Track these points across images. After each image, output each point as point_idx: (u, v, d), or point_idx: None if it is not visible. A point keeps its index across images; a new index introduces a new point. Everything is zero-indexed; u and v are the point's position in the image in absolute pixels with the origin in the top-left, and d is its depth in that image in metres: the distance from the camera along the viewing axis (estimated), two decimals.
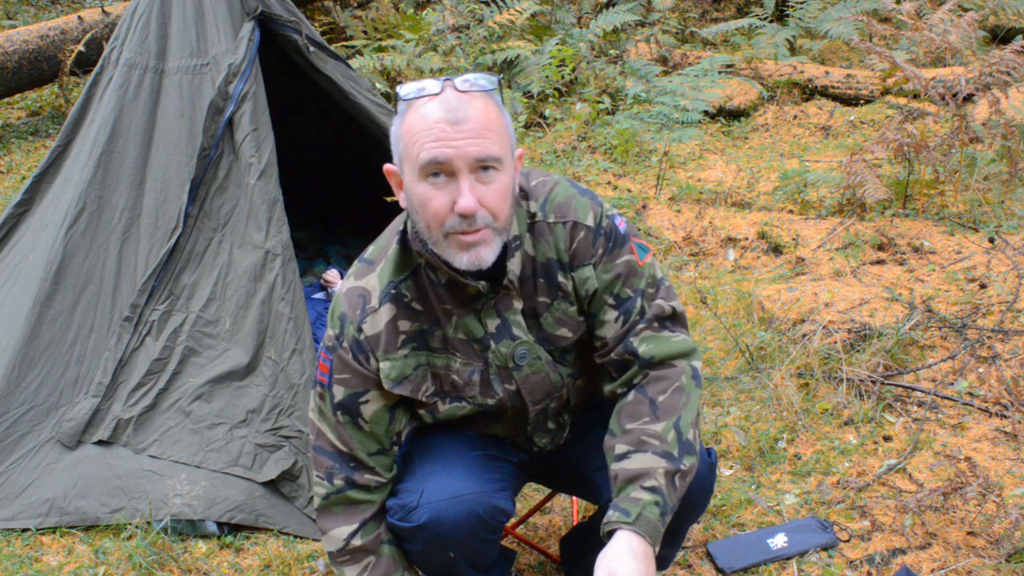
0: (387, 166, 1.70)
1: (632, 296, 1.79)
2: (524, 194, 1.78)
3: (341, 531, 1.84)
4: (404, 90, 1.61)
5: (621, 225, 1.81)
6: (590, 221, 1.77)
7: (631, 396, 1.79)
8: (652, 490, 1.68)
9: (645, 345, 1.79)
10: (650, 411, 1.75)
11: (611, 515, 1.68)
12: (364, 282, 1.78)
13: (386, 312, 1.75)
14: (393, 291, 1.75)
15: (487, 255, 1.63)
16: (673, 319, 1.84)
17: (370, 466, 1.82)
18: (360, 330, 1.75)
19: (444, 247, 1.63)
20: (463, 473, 1.83)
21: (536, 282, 1.78)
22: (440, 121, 1.56)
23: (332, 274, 3.72)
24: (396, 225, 1.80)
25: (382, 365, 1.76)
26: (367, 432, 1.81)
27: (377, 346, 1.75)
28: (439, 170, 1.57)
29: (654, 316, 1.80)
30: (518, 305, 1.78)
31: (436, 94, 1.58)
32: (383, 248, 1.80)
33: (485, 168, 1.58)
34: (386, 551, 1.86)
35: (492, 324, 1.77)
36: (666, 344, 1.80)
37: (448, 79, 1.60)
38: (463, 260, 1.62)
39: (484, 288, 1.72)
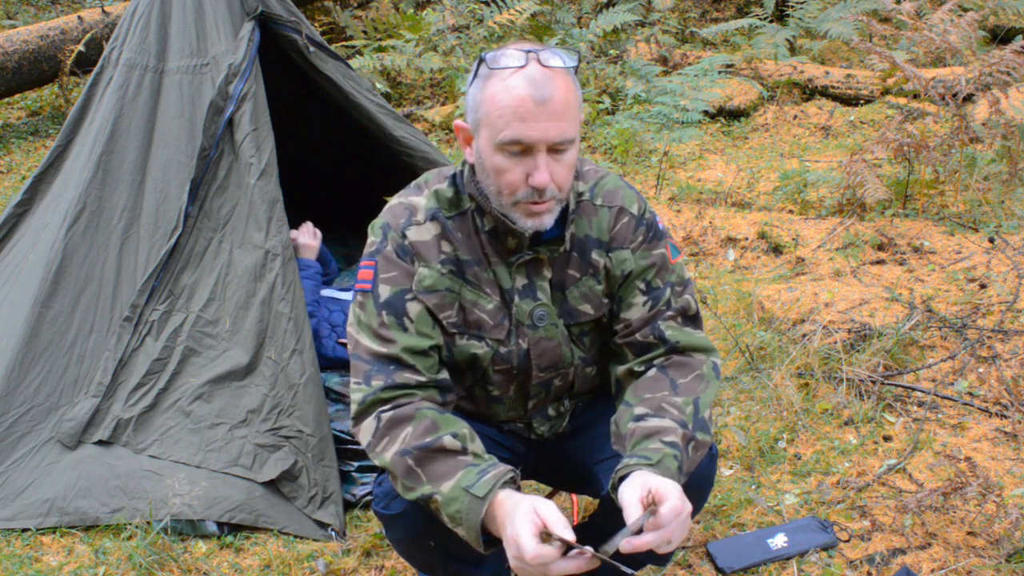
0: (457, 122, 1.76)
1: (662, 287, 1.87)
2: (575, 175, 1.84)
3: (369, 418, 1.73)
4: (488, 58, 1.66)
5: (660, 223, 1.92)
6: (635, 210, 1.88)
7: (651, 373, 1.83)
8: (671, 444, 1.65)
9: (671, 332, 1.85)
10: (670, 387, 1.78)
11: (627, 461, 1.61)
12: (412, 200, 1.84)
13: (431, 227, 1.81)
14: (439, 215, 1.81)
15: (548, 220, 1.73)
16: (695, 320, 1.91)
17: (409, 364, 1.76)
18: (404, 236, 1.80)
19: (510, 210, 1.72)
20: None
21: (570, 256, 1.85)
22: (526, 99, 1.61)
23: (296, 233, 3.47)
24: (444, 170, 1.88)
25: (420, 271, 1.79)
26: (412, 332, 1.77)
27: (420, 252, 1.80)
28: (518, 148, 1.65)
29: (680, 309, 1.88)
30: (547, 273, 1.84)
31: (522, 66, 1.63)
32: (431, 181, 1.86)
33: (560, 147, 1.66)
34: (428, 415, 1.70)
35: (520, 281, 1.84)
36: (690, 337, 1.86)
37: (533, 51, 1.65)
38: (527, 224, 1.73)
39: (527, 238, 1.78)
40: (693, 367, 1.83)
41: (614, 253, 1.86)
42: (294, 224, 3.14)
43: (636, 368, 1.86)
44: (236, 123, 2.79)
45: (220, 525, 2.59)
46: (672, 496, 1.51)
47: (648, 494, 1.51)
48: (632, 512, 1.51)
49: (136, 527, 2.53)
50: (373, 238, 1.84)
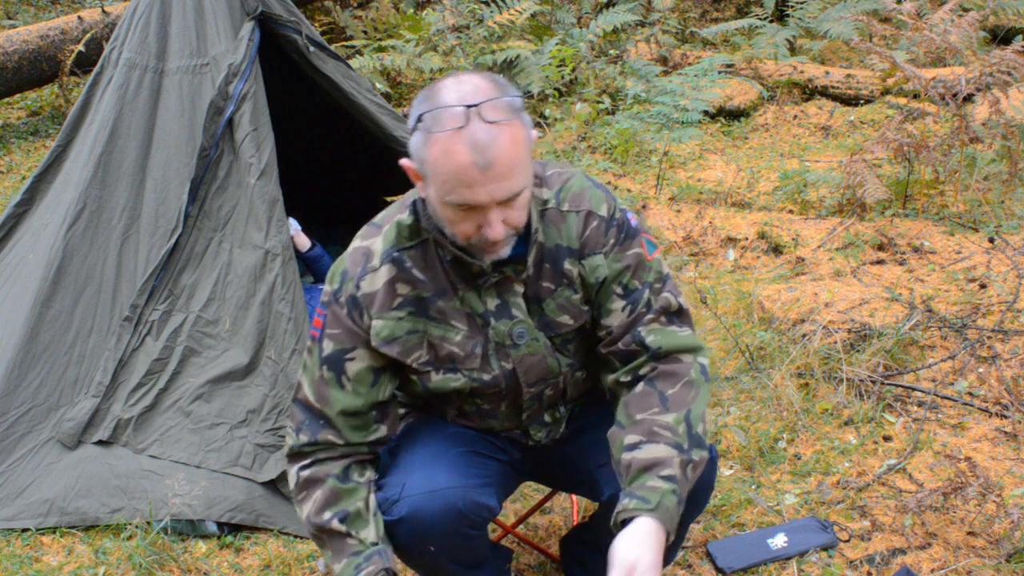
0: (404, 161, 1.68)
1: (640, 288, 1.82)
2: (538, 182, 1.80)
3: (295, 468, 1.87)
4: (427, 117, 1.56)
5: (633, 220, 1.84)
6: (604, 212, 1.81)
7: (639, 388, 1.79)
8: (669, 479, 1.67)
9: (653, 336, 1.81)
10: (660, 403, 1.76)
11: (627, 503, 1.66)
12: (369, 243, 1.80)
13: (385, 272, 1.77)
14: (395, 254, 1.77)
15: (507, 251, 1.70)
16: (679, 315, 1.86)
17: (336, 427, 1.83)
18: (358, 287, 1.77)
19: (465, 247, 1.70)
20: (445, 468, 1.83)
21: (542, 268, 1.80)
22: (469, 166, 1.54)
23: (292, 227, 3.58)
24: (411, 195, 1.82)
25: (374, 323, 1.78)
26: (348, 391, 1.81)
27: (372, 304, 1.77)
28: (467, 207, 1.60)
29: (661, 309, 1.83)
30: (519, 289, 1.81)
31: (462, 127, 1.53)
32: (392, 214, 1.82)
33: (511, 199, 1.61)
34: (331, 484, 1.83)
35: (492, 303, 1.80)
36: (673, 338, 1.82)
37: (474, 104, 1.54)
38: (485, 258, 1.71)
39: (488, 267, 1.75)
40: (680, 375, 1.79)
41: (586, 260, 1.80)
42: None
43: (623, 379, 1.83)
44: (236, 123, 2.79)
45: (220, 525, 2.59)
46: None
47: (630, 573, 1.59)
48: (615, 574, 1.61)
49: (136, 527, 2.53)
50: (330, 285, 1.81)
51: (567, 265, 1.80)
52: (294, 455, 1.87)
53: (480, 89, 1.57)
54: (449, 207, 1.61)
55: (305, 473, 1.85)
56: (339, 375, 1.81)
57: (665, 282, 1.85)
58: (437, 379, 1.85)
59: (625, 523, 1.65)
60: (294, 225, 3.55)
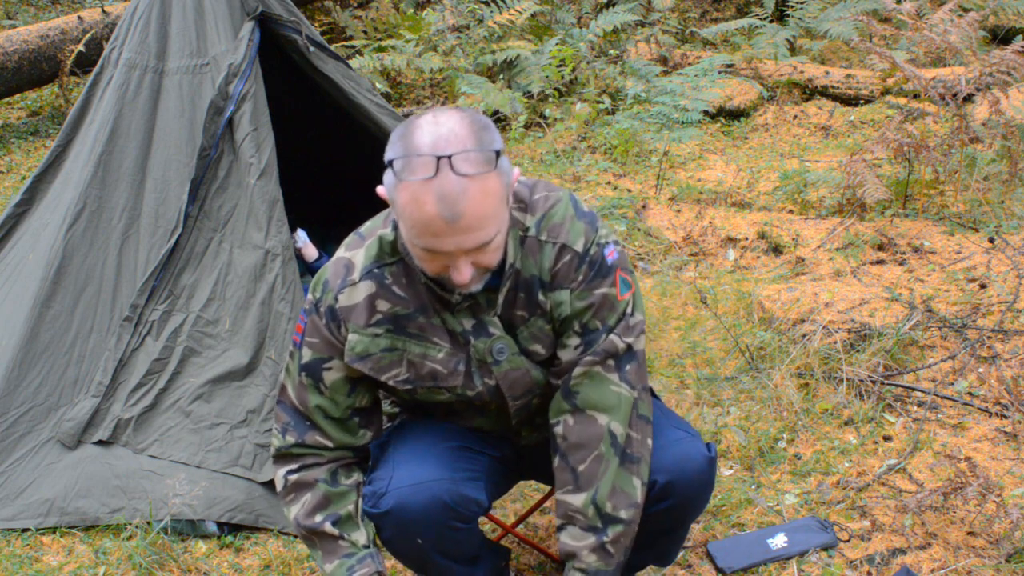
0: (380, 189, 1.64)
1: (599, 330, 1.79)
2: (523, 206, 1.77)
3: (282, 471, 1.91)
4: (399, 162, 1.52)
5: (611, 255, 1.78)
6: (579, 247, 1.75)
7: (556, 463, 1.86)
8: (583, 571, 1.84)
9: (578, 385, 1.80)
10: (572, 480, 1.83)
11: None
12: (352, 254, 1.80)
13: (365, 288, 1.77)
14: (376, 270, 1.77)
15: (477, 288, 1.69)
16: (627, 356, 1.81)
17: (322, 428, 1.87)
18: (337, 299, 1.78)
19: (436, 279, 1.70)
20: (433, 462, 1.84)
21: (517, 296, 1.78)
22: (436, 218, 1.51)
23: (300, 239, 3.62)
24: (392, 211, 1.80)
25: (350, 337, 1.78)
26: (326, 397, 1.85)
27: (349, 317, 1.77)
28: (434, 253, 1.58)
29: (604, 351, 1.79)
30: (493, 311, 1.79)
31: (431, 177, 1.49)
32: (377, 226, 1.81)
33: (480, 248, 1.58)
34: (321, 488, 1.89)
35: (467, 323, 1.79)
36: (596, 391, 1.80)
37: (445, 157, 1.49)
38: (454, 292, 1.72)
39: (456, 300, 1.75)
40: (591, 447, 1.80)
41: (553, 294, 1.77)
42: (294, 224, 3.14)
43: (551, 421, 1.86)
44: (236, 123, 2.79)
45: (220, 525, 2.59)
46: None
47: None
48: None
49: (136, 527, 2.53)
50: (313, 294, 1.82)
51: (540, 296, 1.78)
52: (281, 456, 1.92)
53: (456, 136, 1.51)
54: (417, 248, 1.60)
55: (293, 477, 1.90)
56: (317, 382, 1.84)
57: (631, 327, 1.81)
58: (423, 392, 1.87)
59: None
60: (302, 236, 3.57)
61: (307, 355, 1.83)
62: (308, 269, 3.60)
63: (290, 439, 1.88)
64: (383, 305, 1.77)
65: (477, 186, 1.51)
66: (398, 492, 1.80)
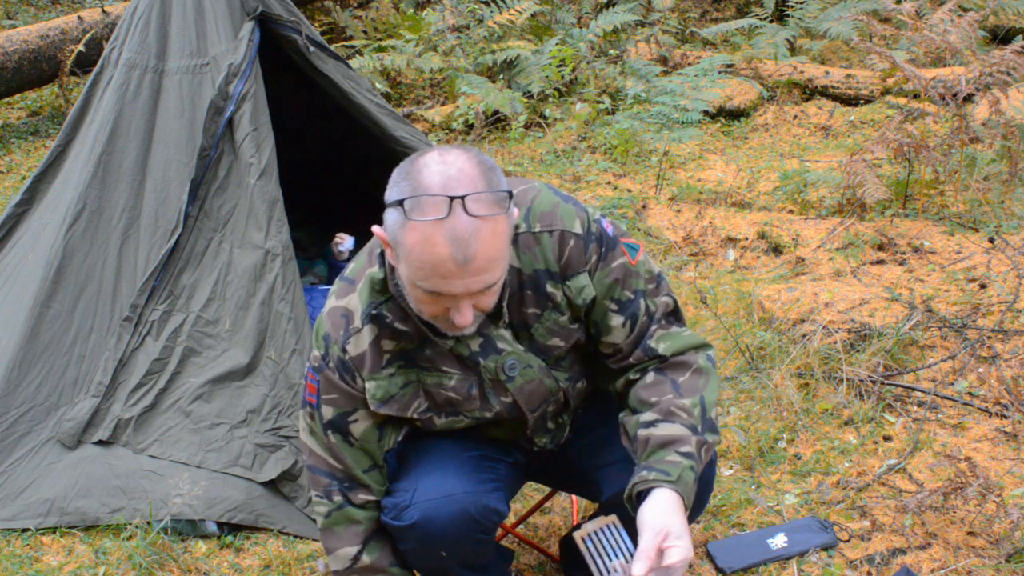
0: (376, 229, 1.62)
1: (633, 298, 1.78)
2: None
3: (347, 551, 1.85)
4: (409, 202, 1.48)
5: (608, 228, 1.78)
6: (578, 228, 1.73)
7: (650, 377, 1.79)
8: (687, 455, 1.68)
9: (663, 344, 1.80)
10: (673, 389, 1.76)
11: (646, 475, 1.65)
12: (346, 302, 1.76)
13: (368, 332, 1.73)
14: (374, 312, 1.73)
15: (471, 331, 1.65)
16: (677, 315, 1.86)
17: (365, 483, 1.83)
18: (345, 350, 1.74)
19: (430, 322, 1.67)
20: (456, 473, 1.83)
21: (524, 295, 1.75)
22: (447, 260, 1.48)
23: (341, 236, 3.65)
24: (374, 248, 1.76)
25: (367, 385, 1.76)
26: (358, 448, 1.81)
27: (362, 366, 1.74)
28: (438, 295, 1.55)
29: (663, 314, 1.81)
30: (501, 322, 1.76)
31: (443, 219, 1.46)
32: (362, 267, 1.76)
33: (485, 290, 1.56)
34: (397, 572, 1.88)
35: (474, 344, 1.76)
36: (679, 340, 1.81)
37: (458, 198, 1.46)
38: (448, 333, 1.68)
39: (447, 345, 1.74)
40: (690, 364, 1.79)
41: (570, 281, 1.74)
42: (294, 224, 3.13)
43: (632, 376, 1.83)
44: (236, 123, 2.79)
45: (220, 525, 2.59)
46: (683, 548, 1.57)
47: (664, 537, 1.58)
48: (647, 540, 1.57)
49: (136, 527, 2.53)
50: (316, 351, 1.79)
51: (549, 288, 1.74)
52: (333, 523, 1.85)
53: (466, 176, 1.49)
54: (419, 289, 1.55)
55: (365, 560, 1.86)
56: (346, 436, 1.80)
57: (659, 283, 1.82)
58: (442, 422, 1.85)
59: (642, 495, 1.65)
60: (349, 242, 3.56)
61: (329, 413, 1.79)
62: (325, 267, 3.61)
63: (338, 499, 1.83)
64: (388, 344, 1.75)
65: (489, 228, 1.49)
66: (423, 505, 1.78)
